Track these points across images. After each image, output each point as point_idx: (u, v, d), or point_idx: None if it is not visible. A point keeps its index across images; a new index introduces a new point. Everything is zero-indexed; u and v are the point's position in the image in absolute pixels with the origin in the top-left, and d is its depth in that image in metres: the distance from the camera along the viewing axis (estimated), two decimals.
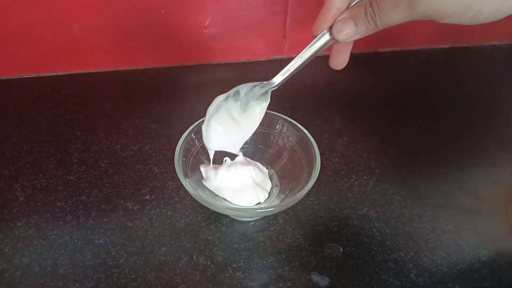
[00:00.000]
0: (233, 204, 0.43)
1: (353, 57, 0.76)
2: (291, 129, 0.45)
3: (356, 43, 0.75)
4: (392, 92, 0.68)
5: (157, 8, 0.62)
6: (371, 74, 0.72)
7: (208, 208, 0.44)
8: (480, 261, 0.42)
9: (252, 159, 0.47)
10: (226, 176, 0.43)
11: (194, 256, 0.41)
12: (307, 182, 0.39)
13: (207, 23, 0.66)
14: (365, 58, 0.76)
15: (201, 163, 0.45)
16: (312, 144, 0.42)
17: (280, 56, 0.73)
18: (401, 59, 0.77)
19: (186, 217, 0.44)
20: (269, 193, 0.45)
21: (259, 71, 0.71)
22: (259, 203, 0.43)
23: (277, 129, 0.47)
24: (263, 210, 0.39)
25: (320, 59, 0.74)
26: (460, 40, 0.79)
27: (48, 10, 0.59)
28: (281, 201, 0.42)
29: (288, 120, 0.46)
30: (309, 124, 0.46)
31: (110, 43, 0.65)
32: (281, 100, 0.65)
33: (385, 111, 0.63)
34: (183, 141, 0.43)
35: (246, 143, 0.49)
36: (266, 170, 0.46)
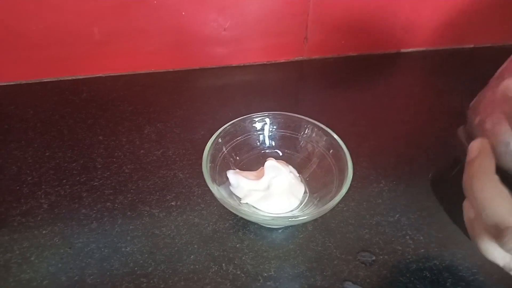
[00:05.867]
0: (261, 211, 0.41)
1: (376, 57, 0.76)
2: (321, 134, 0.44)
3: (379, 43, 0.74)
4: (418, 93, 0.67)
5: (177, 11, 0.62)
6: (395, 75, 0.71)
7: (235, 215, 0.43)
8: None
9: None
10: (255, 183, 0.42)
11: (224, 264, 0.40)
12: (339, 189, 0.38)
13: (227, 25, 0.65)
14: (388, 58, 0.74)
15: (228, 169, 0.44)
16: (343, 149, 0.41)
17: (300, 58, 0.72)
18: (426, 59, 0.75)
19: (213, 224, 0.44)
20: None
21: (280, 73, 0.70)
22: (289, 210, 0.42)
23: (306, 133, 0.46)
24: (295, 219, 0.38)
25: (342, 60, 0.73)
26: (483, 39, 0.77)
27: (68, 14, 0.59)
28: (313, 210, 0.41)
29: (317, 124, 0.45)
30: (334, 127, 0.44)
31: (130, 46, 0.64)
32: (304, 104, 0.64)
33: (412, 113, 0.61)
34: (211, 145, 0.42)
35: (271, 148, 0.48)
36: (298, 175, 0.45)
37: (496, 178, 0.25)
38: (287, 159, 0.47)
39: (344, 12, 0.68)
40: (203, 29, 0.65)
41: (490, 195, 0.24)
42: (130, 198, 0.46)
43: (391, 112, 0.62)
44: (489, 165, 0.25)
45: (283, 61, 0.72)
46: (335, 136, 0.43)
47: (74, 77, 0.66)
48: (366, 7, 0.68)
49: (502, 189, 0.24)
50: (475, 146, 0.27)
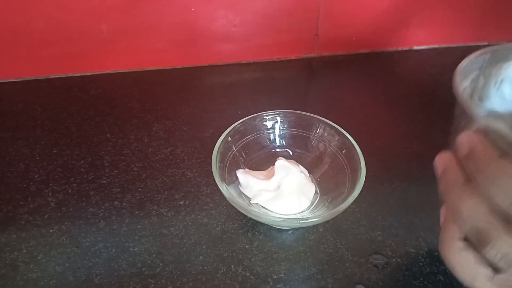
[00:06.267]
0: (271, 211, 0.41)
1: (388, 54, 0.74)
2: (333, 133, 0.43)
3: (391, 39, 0.72)
4: (431, 91, 0.65)
5: (186, 7, 0.61)
6: (408, 72, 0.70)
7: (244, 215, 0.43)
8: None
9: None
10: (265, 182, 0.41)
11: (233, 266, 0.39)
12: (351, 190, 0.37)
13: (237, 21, 0.64)
14: (400, 55, 0.73)
15: (238, 168, 0.43)
16: (356, 149, 0.40)
17: (311, 55, 0.70)
18: (439, 56, 0.74)
19: (222, 224, 0.43)
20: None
21: (290, 70, 0.69)
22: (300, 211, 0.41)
23: (318, 132, 0.45)
24: (306, 220, 0.37)
25: (354, 57, 0.72)
26: (497, 37, 0.75)
27: (76, 11, 0.58)
28: (324, 211, 0.40)
29: (329, 123, 0.44)
30: (344, 126, 0.43)
31: (138, 42, 0.64)
32: (314, 101, 0.63)
33: (424, 111, 0.60)
34: (220, 144, 0.41)
35: (282, 147, 0.47)
36: (308, 175, 0.44)
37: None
38: (297, 158, 0.46)
39: (356, 9, 0.66)
40: (212, 26, 0.64)
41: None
42: (138, 197, 0.45)
43: (403, 110, 0.60)
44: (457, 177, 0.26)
45: (293, 58, 0.71)
46: (348, 135, 0.42)
47: (82, 74, 0.66)
48: (378, 3, 0.66)
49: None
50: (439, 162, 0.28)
